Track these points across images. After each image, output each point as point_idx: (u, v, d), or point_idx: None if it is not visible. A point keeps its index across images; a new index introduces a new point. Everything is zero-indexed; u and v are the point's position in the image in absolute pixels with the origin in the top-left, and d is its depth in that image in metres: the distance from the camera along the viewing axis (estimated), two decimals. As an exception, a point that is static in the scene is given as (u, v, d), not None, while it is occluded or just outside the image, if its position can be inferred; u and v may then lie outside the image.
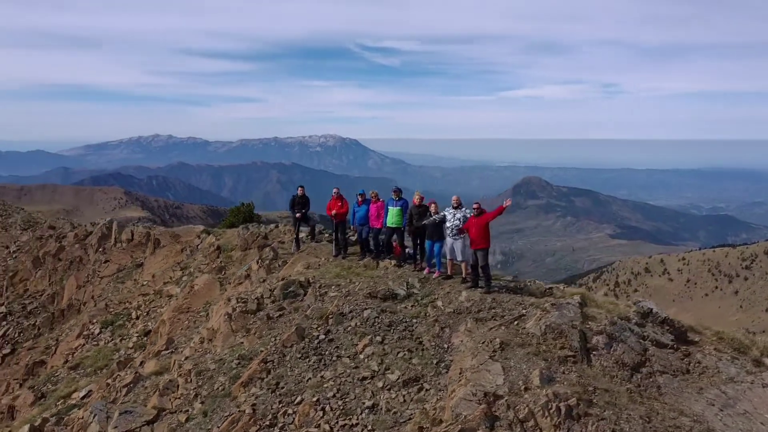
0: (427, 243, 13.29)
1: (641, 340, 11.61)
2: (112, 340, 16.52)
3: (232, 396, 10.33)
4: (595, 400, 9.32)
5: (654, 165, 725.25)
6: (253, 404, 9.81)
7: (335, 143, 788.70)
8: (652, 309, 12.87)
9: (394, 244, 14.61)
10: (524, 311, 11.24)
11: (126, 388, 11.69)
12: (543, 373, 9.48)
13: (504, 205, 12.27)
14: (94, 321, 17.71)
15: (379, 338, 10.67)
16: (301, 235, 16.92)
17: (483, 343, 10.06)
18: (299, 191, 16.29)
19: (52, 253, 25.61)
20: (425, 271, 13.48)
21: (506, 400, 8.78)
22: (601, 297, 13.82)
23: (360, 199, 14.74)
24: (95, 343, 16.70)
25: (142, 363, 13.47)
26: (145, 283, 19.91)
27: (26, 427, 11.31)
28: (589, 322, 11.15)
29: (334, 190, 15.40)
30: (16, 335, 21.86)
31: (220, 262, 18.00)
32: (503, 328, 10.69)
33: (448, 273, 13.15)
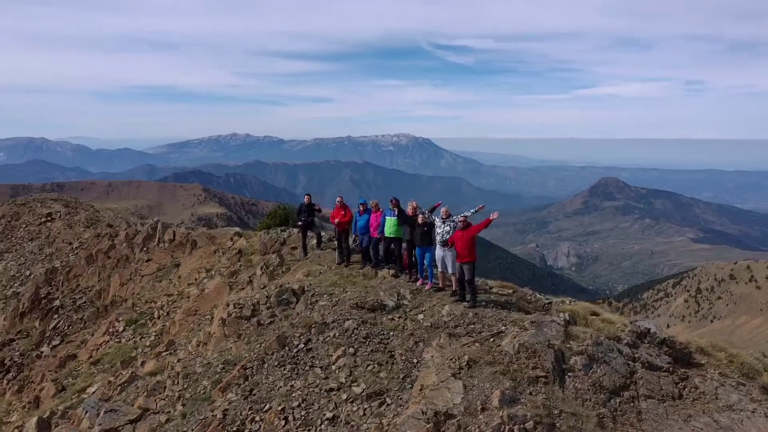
0: (417, 251, 13.27)
1: (630, 362, 11.17)
2: (133, 338, 17.46)
3: (211, 400, 10.74)
4: (558, 424, 9.07)
5: (743, 166, 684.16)
6: (225, 409, 10.17)
7: (408, 142, 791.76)
8: (650, 329, 12.34)
9: (404, 254, 14.57)
10: (503, 328, 11.03)
11: (120, 387, 12.38)
12: (505, 393, 9.31)
13: (491, 218, 12.09)
14: (120, 319, 18.76)
15: (352, 350, 10.78)
16: (314, 242, 17.24)
17: (451, 359, 9.98)
18: (306, 199, 16.61)
19: (104, 251, 27.19)
20: (419, 283, 13.46)
21: (458, 420, 8.70)
22: (606, 314, 13.34)
23: (362, 208, 14.89)
24: (117, 340, 17.70)
25: (143, 363, 14.20)
26: (175, 283, 20.86)
27: (34, 420, 12.18)
28: (571, 342, 10.81)
29: (338, 198, 15.62)
30: (65, 328, 23.37)
31: (240, 265, 18.63)
32: (477, 344, 10.55)
33: (440, 285, 13.08)
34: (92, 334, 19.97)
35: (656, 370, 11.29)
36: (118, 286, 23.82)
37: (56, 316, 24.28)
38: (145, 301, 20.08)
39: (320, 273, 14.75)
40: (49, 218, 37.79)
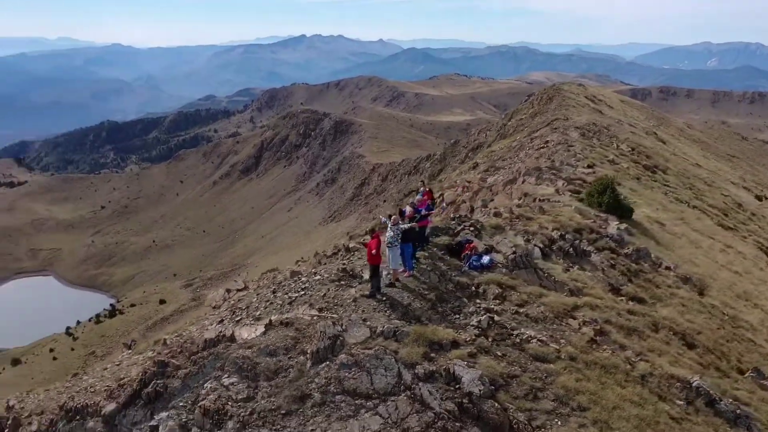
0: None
1: (399, 380, 11.58)
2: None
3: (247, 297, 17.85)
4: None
5: None
6: (239, 299, 17.33)
7: None
8: (462, 377, 11.51)
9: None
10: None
11: (269, 281, 20.49)
12: (257, 336, 12.93)
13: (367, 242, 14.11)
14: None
15: (286, 290, 15.79)
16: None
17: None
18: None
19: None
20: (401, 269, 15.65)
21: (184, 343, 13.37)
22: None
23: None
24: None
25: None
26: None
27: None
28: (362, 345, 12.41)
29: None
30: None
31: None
32: (308, 317, 13.60)
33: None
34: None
35: (427, 409, 11.36)
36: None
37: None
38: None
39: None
40: (545, 145, 42.97)
